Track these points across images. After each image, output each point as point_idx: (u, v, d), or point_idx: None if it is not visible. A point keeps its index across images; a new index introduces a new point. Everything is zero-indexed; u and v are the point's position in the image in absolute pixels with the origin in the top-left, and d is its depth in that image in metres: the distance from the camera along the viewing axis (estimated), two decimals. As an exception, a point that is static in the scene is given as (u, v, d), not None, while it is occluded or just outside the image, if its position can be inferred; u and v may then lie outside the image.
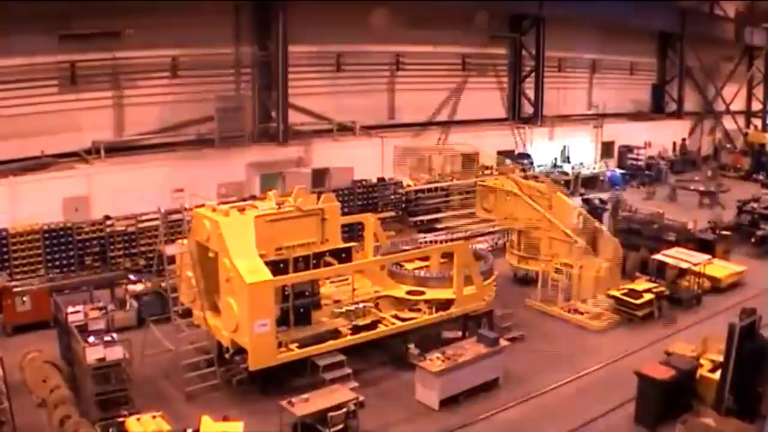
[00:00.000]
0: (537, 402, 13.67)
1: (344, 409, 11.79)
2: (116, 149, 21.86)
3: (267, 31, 24.17)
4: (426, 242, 18.59)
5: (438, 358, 13.30)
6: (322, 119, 26.02)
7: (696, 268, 18.53)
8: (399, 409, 13.14)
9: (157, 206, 15.70)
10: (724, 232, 22.41)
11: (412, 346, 14.04)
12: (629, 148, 34.60)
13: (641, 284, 17.98)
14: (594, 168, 32.03)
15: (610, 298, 17.58)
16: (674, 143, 37.44)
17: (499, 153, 29.46)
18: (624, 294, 17.50)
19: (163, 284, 14.28)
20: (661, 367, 12.69)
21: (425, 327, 14.93)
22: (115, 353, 12.16)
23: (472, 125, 30.27)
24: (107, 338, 12.40)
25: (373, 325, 14.25)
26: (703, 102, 40.38)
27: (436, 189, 25.06)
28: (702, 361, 13.37)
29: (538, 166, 29.32)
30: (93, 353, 11.96)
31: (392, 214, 23.74)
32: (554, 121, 32.32)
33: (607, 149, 34.10)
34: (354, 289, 15.00)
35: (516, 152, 30.16)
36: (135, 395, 12.37)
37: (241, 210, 13.83)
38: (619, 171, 32.35)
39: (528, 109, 32.52)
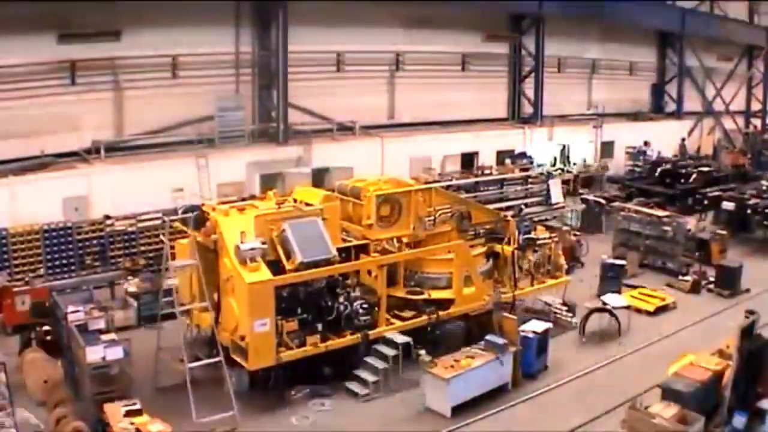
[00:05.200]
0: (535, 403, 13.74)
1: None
2: (116, 149, 21.86)
3: (267, 31, 24.17)
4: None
5: (449, 364, 13.27)
6: (322, 119, 26.03)
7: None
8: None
9: (157, 205, 15.70)
10: (720, 232, 22.54)
11: (423, 352, 14.03)
12: (641, 151, 33.58)
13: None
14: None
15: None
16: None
17: (499, 153, 29.50)
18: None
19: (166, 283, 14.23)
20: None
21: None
22: (115, 353, 12.15)
23: (472, 125, 30.30)
24: (107, 338, 12.41)
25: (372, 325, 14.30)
26: (702, 102, 40.39)
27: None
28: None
29: (539, 165, 29.31)
30: (93, 353, 11.94)
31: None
32: (554, 121, 32.32)
33: (607, 149, 34.06)
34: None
35: (516, 152, 30.11)
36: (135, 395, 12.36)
37: (241, 209, 13.84)
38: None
39: (528, 109, 32.52)
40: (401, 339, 14.06)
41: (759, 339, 12.31)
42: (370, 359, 14.03)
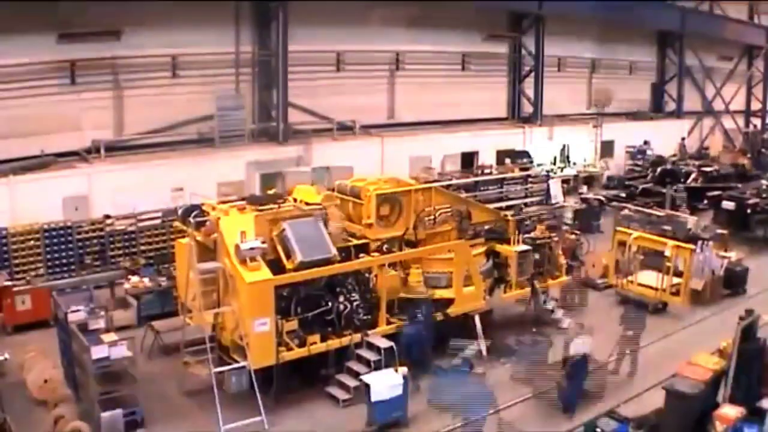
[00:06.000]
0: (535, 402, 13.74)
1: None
2: (116, 148, 21.87)
3: (267, 30, 24.18)
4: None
5: None
6: (322, 119, 26.04)
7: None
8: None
9: (156, 205, 15.65)
10: (720, 231, 22.52)
11: None
12: (641, 150, 33.63)
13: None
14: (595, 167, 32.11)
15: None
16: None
17: (499, 152, 29.49)
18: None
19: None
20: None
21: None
22: (120, 352, 12.12)
23: (471, 124, 30.30)
24: (108, 338, 12.38)
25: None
26: (702, 101, 40.38)
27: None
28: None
29: (538, 165, 29.31)
30: (99, 351, 11.89)
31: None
32: (554, 120, 32.32)
33: (607, 148, 34.04)
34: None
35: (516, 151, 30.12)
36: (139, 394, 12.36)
37: (241, 209, 13.84)
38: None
39: (528, 109, 32.53)
40: (384, 343, 13.59)
41: (759, 338, 12.32)
42: (351, 363, 13.71)
